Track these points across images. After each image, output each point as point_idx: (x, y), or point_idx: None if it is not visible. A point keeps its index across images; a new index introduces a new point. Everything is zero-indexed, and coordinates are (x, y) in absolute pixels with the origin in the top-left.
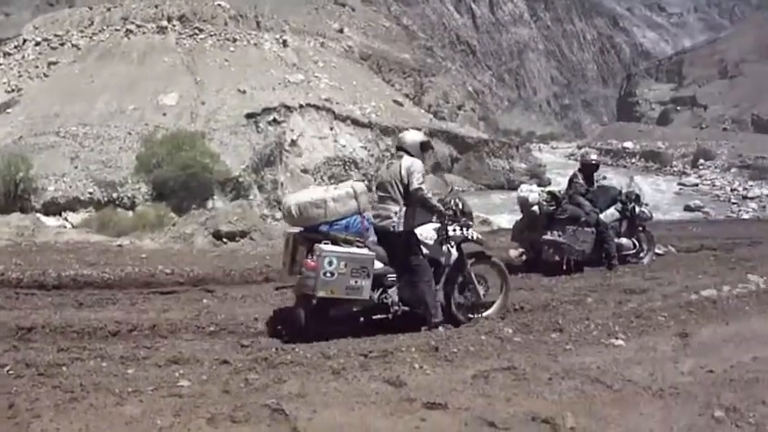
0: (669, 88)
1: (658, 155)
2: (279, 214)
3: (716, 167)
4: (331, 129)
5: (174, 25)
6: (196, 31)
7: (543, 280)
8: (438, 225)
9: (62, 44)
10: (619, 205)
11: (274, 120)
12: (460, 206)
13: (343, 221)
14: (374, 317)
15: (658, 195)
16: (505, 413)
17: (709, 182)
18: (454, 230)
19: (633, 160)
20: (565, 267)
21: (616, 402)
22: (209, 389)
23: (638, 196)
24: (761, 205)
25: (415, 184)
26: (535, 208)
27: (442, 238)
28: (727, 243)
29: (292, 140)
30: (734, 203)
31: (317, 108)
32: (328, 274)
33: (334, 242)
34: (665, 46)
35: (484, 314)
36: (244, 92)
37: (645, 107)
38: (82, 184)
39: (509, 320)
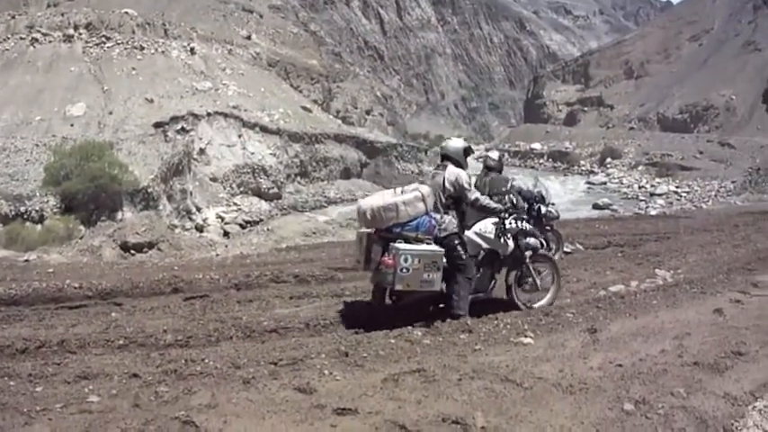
0: (576, 89)
1: (566, 155)
2: (188, 224)
3: (623, 166)
4: (239, 136)
5: (80, 33)
6: (103, 39)
7: None
8: (496, 219)
9: None
10: (525, 205)
11: (182, 128)
12: (515, 200)
13: (414, 222)
14: (440, 305)
15: (566, 194)
16: (416, 416)
17: (616, 180)
18: (510, 224)
19: (541, 161)
20: None
21: (526, 400)
22: (119, 403)
23: (542, 196)
24: (668, 201)
25: (470, 197)
26: None
27: (500, 231)
28: (635, 239)
29: (201, 149)
30: (641, 200)
31: (225, 116)
32: (404, 270)
33: (407, 241)
34: (571, 48)
35: (536, 305)
36: (152, 101)
37: (552, 108)
38: None
39: (418, 323)
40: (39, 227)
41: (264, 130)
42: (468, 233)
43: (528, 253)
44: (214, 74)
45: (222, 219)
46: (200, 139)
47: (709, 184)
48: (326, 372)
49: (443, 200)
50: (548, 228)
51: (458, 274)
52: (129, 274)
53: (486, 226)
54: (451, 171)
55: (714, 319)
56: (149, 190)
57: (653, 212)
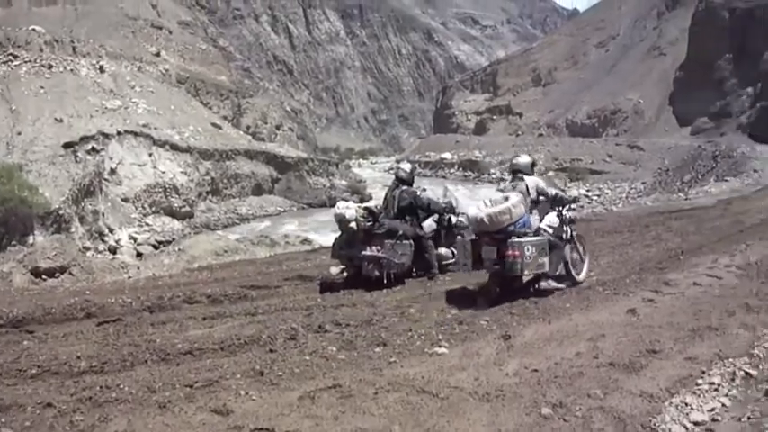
0: (484, 98)
1: (476, 164)
2: (101, 246)
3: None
4: (150, 155)
5: None
6: (10, 57)
7: (365, 295)
8: (556, 213)
9: None
10: (436, 216)
11: (93, 149)
12: (562, 194)
13: (521, 221)
14: (538, 286)
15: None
16: None
17: None
18: (566, 215)
19: (452, 170)
20: (386, 281)
21: (443, 410)
22: None
23: (452, 206)
24: (579, 205)
25: (552, 193)
26: (353, 224)
27: (563, 221)
28: None
29: (112, 169)
30: None
31: (136, 134)
32: (528, 258)
33: (519, 236)
34: (479, 57)
35: (581, 275)
36: (61, 120)
37: (461, 118)
38: None
39: (333, 338)
40: None
41: (175, 148)
42: (541, 225)
43: (574, 234)
44: (123, 92)
45: (135, 240)
46: (111, 158)
47: (619, 187)
48: (242, 392)
49: (528, 203)
50: (459, 237)
51: (554, 251)
52: (40, 300)
53: (553, 219)
54: (531, 179)
55: (628, 319)
56: (60, 212)
57: None
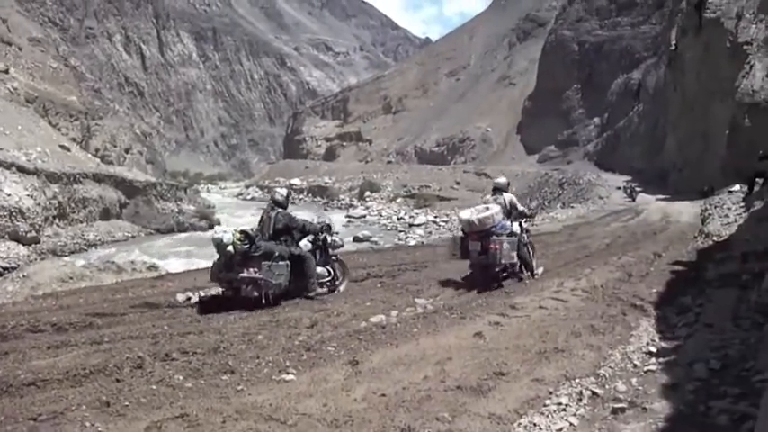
0: (335, 125)
1: (326, 189)
2: None
3: (382, 198)
4: None
5: None
6: None
7: (212, 322)
8: (518, 222)
9: None
10: (311, 236)
11: None
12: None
13: (500, 224)
14: (504, 273)
15: None
16: None
17: (375, 212)
18: (523, 222)
19: (301, 196)
20: (264, 301)
21: None
22: None
23: (329, 226)
24: (427, 231)
25: (519, 209)
26: (230, 248)
27: (522, 226)
28: (393, 269)
29: None
30: (401, 231)
31: None
32: (505, 251)
33: (497, 235)
34: (331, 84)
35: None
36: None
37: (311, 144)
38: None
39: (180, 366)
40: None
41: (22, 170)
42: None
43: (529, 239)
44: None
45: None
46: None
47: None
48: (88, 424)
49: (505, 212)
50: (333, 257)
51: (522, 248)
52: None
53: (516, 226)
54: (506, 196)
55: (475, 343)
56: None
57: (412, 242)
